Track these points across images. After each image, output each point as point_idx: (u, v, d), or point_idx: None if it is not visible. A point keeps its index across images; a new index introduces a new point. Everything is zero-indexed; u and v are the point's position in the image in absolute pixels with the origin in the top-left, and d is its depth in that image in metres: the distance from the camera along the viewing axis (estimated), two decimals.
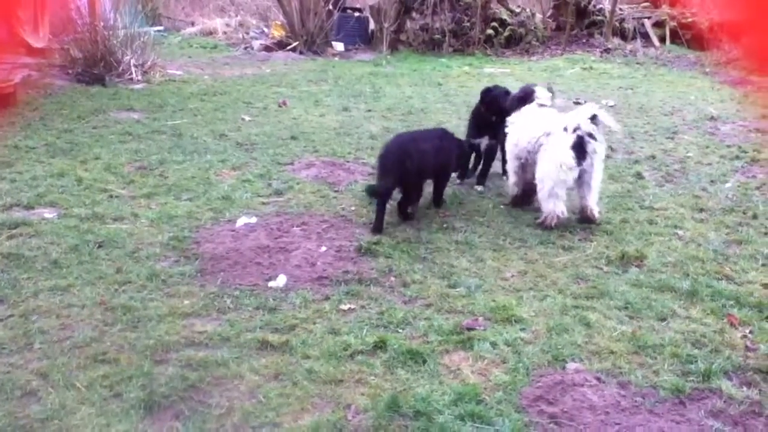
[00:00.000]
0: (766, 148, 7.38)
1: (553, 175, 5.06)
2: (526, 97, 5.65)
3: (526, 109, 5.56)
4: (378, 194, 5.03)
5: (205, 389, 3.15)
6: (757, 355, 3.48)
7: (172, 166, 6.30)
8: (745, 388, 3.21)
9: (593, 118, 5.01)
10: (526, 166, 5.46)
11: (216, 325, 3.69)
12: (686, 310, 3.93)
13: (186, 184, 5.85)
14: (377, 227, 4.96)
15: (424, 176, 5.28)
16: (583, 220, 5.23)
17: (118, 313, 3.78)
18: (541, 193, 5.15)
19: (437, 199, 5.55)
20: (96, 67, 10.03)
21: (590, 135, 5.00)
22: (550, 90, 5.80)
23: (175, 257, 4.48)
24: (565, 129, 5.05)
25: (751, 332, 3.70)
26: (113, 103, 8.90)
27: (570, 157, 4.97)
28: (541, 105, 5.60)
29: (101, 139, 7.15)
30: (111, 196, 5.54)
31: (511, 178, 5.68)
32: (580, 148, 4.98)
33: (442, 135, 5.53)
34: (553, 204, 5.10)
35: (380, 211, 4.98)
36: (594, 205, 5.22)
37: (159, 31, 15.03)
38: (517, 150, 5.51)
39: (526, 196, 5.60)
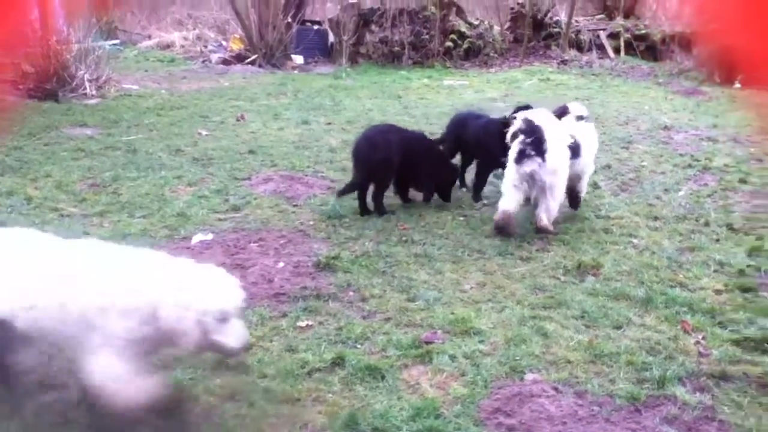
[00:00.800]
0: (717, 157, 7.56)
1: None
2: (562, 113, 5.76)
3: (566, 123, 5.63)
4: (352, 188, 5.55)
5: (159, 412, 3.07)
6: (710, 361, 3.54)
7: (126, 183, 6.18)
8: (698, 394, 3.25)
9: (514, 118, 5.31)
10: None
11: None
12: (641, 317, 3.98)
13: (140, 201, 5.74)
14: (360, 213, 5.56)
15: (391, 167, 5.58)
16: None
17: None
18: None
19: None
20: (48, 82, 9.81)
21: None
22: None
23: None
24: None
25: (703, 338, 3.76)
26: (66, 119, 8.71)
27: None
28: (579, 118, 5.74)
29: (53, 156, 6.99)
30: (62, 215, 5.42)
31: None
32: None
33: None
34: None
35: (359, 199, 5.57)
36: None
37: (114, 44, 14.80)
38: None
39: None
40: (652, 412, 3.13)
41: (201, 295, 2.77)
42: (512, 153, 5.15)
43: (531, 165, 5.04)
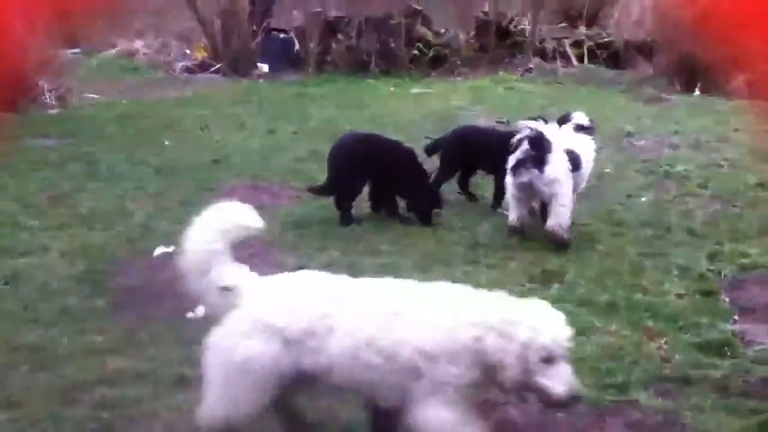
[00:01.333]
0: (678, 163, 7.70)
1: None
2: (563, 121, 5.77)
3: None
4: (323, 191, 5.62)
5: (119, 430, 3.01)
6: (672, 365, 3.59)
7: (87, 195, 6.06)
8: (661, 399, 3.29)
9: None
10: None
11: (131, 361, 3.55)
12: (605, 323, 4.02)
13: (101, 213, 5.64)
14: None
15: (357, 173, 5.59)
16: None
17: (24, 353, 3.60)
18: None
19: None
20: (7, 91, 9.58)
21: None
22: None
23: (87, 291, 4.30)
24: None
25: (666, 343, 3.82)
26: (25, 129, 8.50)
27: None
28: (579, 127, 5.70)
29: (11, 168, 6.81)
30: (20, 228, 5.28)
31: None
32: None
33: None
34: None
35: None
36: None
37: (76, 53, 14.55)
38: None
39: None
40: (616, 417, 3.15)
41: (523, 326, 2.47)
42: (510, 163, 5.14)
43: (527, 175, 5.05)
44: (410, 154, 5.83)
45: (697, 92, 12.63)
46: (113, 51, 15.62)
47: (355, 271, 4.62)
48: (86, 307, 4.08)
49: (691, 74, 12.97)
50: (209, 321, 3.86)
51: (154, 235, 5.18)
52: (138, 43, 15.67)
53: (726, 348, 3.74)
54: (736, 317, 4.13)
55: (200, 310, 3.99)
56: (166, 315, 4.00)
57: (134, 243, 5.03)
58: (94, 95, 10.98)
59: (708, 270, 4.78)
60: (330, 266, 4.68)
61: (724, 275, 4.71)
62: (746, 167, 7.49)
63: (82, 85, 11.19)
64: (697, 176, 7.10)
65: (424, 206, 5.72)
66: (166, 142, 8.09)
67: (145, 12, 16.90)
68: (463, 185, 6.39)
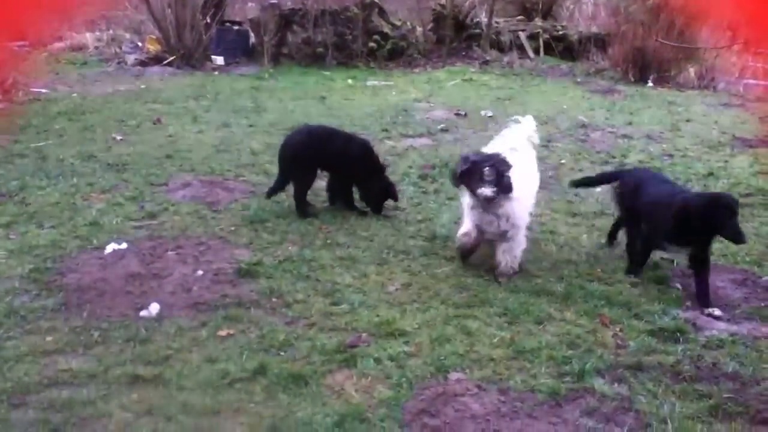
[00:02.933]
0: (632, 153, 7.83)
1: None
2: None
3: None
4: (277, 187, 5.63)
5: None
6: (627, 352, 3.64)
7: (35, 192, 5.86)
8: (616, 385, 3.34)
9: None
10: None
11: (82, 361, 3.45)
12: (561, 312, 4.06)
13: (50, 210, 5.45)
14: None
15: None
16: None
17: None
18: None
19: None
20: None
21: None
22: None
23: (36, 290, 4.15)
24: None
25: (621, 330, 3.87)
26: None
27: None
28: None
29: None
30: None
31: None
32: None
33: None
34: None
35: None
36: None
37: (22, 45, 14.07)
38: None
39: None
40: (573, 405, 3.19)
41: None
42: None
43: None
44: (363, 146, 5.80)
45: (650, 84, 12.89)
46: (62, 44, 15.16)
47: (313, 266, 4.61)
48: (35, 306, 3.94)
49: (644, 66, 13.24)
50: (162, 320, 3.82)
51: (105, 232, 5.03)
52: (88, 36, 15.23)
53: (678, 334, 3.82)
54: (688, 304, 4.22)
55: (154, 309, 3.92)
56: (118, 314, 3.89)
57: (85, 240, 4.88)
58: (41, 89, 10.64)
59: (661, 258, 4.86)
60: (287, 261, 4.65)
61: (677, 264, 4.80)
62: (697, 157, 7.67)
63: (29, 79, 10.81)
64: (651, 166, 7.22)
65: (378, 198, 5.70)
66: (118, 137, 7.88)
67: (95, 3, 16.45)
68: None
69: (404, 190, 6.21)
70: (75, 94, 10.53)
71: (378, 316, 3.95)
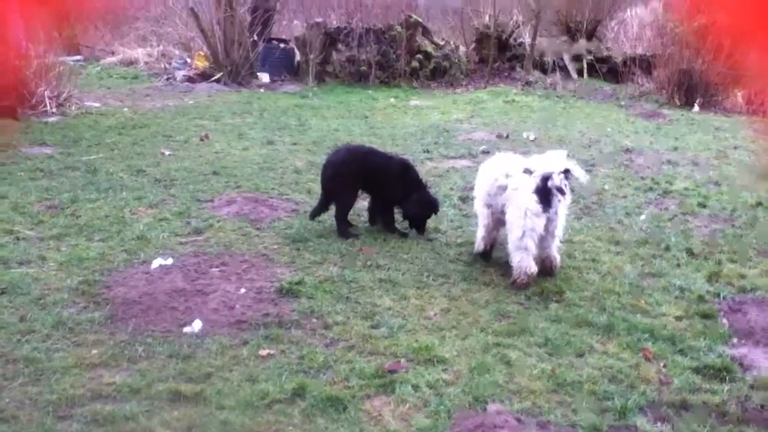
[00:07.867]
0: (677, 180, 7.70)
1: (521, 222, 4.73)
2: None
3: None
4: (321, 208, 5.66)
5: None
6: (671, 389, 3.56)
7: (85, 205, 6.03)
8: (659, 424, 3.27)
9: (566, 173, 4.69)
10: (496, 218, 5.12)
11: (126, 375, 3.52)
12: (603, 345, 4.00)
13: (99, 223, 5.60)
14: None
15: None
16: (543, 271, 4.91)
17: (19, 365, 3.56)
18: (511, 244, 4.85)
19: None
20: (6, 99, 9.56)
21: (559, 189, 4.67)
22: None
23: (84, 303, 4.26)
24: (528, 171, 4.74)
25: (665, 366, 3.79)
26: (24, 137, 8.50)
27: (535, 202, 4.65)
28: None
29: (9, 177, 6.79)
30: (17, 238, 5.24)
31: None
32: (545, 196, 4.65)
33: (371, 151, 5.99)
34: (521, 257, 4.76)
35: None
36: (556, 254, 4.98)
37: (77, 60, 14.55)
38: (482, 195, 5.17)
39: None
40: None
41: None
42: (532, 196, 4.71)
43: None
44: (404, 166, 5.83)
45: (696, 108, 12.67)
46: (114, 59, 15.62)
47: (353, 287, 4.63)
48: (82, 319, 4.04)
49: (690, 90, 13.03)
50: (205, 336, 3.89)
51: (152, 246, 5.15)
52: (139, 51, 15.66)
53: (724, 372, 3.72)
54: (734, 341, 4.12)
55: (197, 325, 3.99)
56: (162, 329, 3.97)
57: (132, 254, 5.00)
58: (93, 103, 10.96)
59: (707, 291, 4.76)
60: (328, 281, 4.69)
61: (723, 297, 4.70)
62: (745, 186, 7.50)
63: (82, 93, 11.17)
64: (696, 194, 7.10)
65: (421, 214, 5.71)
66: (166, 152, 8.07)
67: (145, 19, 16.93)
68: None
69: (445, 212, 6.21)
70: (126, 109, 10.83)
71: (417, 341, 3.94)
